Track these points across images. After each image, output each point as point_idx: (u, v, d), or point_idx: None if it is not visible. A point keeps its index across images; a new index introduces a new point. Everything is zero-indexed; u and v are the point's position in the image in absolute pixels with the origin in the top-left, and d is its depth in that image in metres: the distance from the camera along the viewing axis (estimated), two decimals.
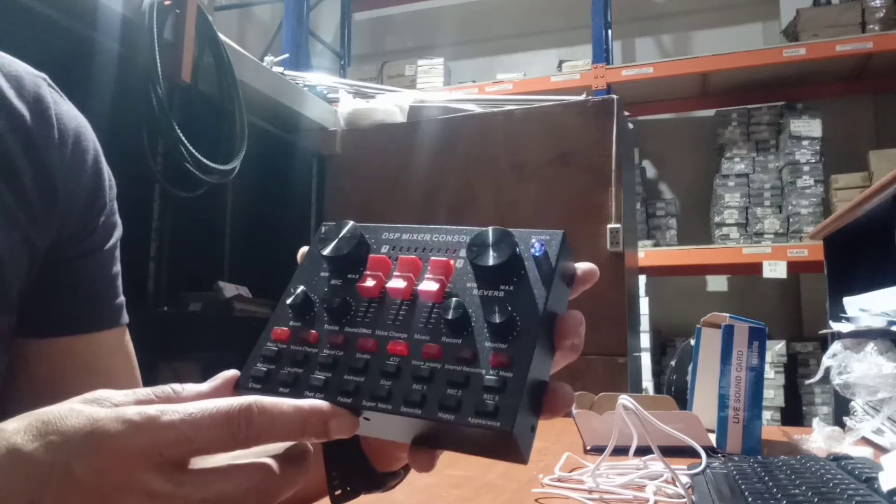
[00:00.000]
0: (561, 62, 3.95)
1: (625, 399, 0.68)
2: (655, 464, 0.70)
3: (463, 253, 0.38)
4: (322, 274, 0.40)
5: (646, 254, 3.39)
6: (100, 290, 0.57)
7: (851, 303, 1.19)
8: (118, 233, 0.60)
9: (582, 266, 0.38)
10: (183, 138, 1.51)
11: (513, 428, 0.31)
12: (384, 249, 0.39)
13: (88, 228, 0.56)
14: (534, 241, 0.36)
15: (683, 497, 0.62)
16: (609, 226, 1.90)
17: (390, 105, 2.26)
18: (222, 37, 1.69)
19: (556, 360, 0.36)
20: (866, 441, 0.96)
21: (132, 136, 1.50)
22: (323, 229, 0.41)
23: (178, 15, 1.56)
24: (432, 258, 0.37)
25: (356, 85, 2.60)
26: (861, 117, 3.79)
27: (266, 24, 4.86)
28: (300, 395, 0.35)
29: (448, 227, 0.39)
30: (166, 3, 1.52)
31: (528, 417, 0.32)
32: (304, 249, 0.43)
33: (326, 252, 0.39)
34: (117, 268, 0.59)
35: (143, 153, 1.51)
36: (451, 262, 0.37)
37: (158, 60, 1.45)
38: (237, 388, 0.36)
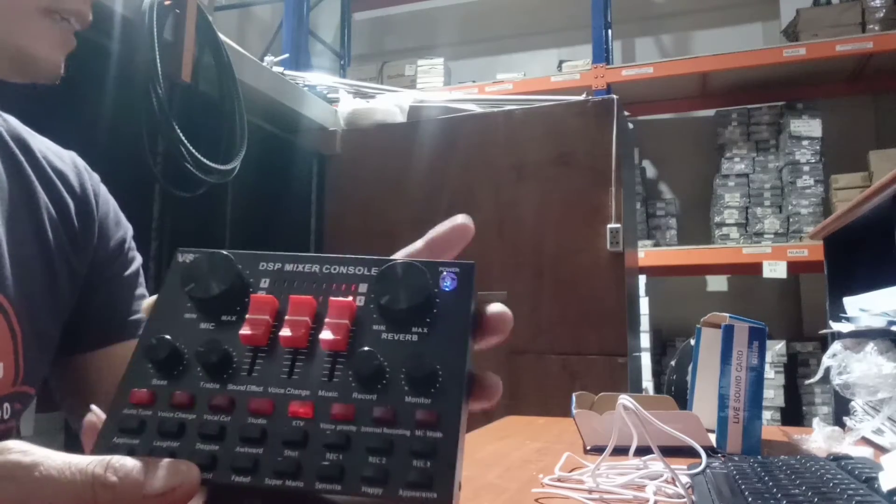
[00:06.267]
0: (561, 62, 3.95)
1: (625, 399, 0.68)
2: (655, 464, 0.70)
3: (363, 288, 0.33)
4: (187, 316, 0.33)
5: (646, 254, 3.40)
6: (123, 309, 0.69)
7: (851, 303, 1.19)
8: (138, 262, 0.72)
9: (493, 309, 0.33)
10: (183, 138, 1.51)
11: (452, 499, 0.28)
12: (264, 284, 0.33)
13: (113, 257, 0.69)
14: (445, 274, 0.33)
15: (683, 497, 0.62)
16: (609, 226, 1.90)
17: (390, 105, 2.26)
18: (222, 37, 1.69)
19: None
20: (866, 441, 0.96)
21: (132, 136, 1.50)
22: (180, 257, 0.34)
23: (178, 15, 1.56)
24: (332, 298, 0.32)
25: (356, 85, 2.60)
26: (861, 117, 3.80)
27: (266, 24, 4.87)
28: None
29: (340, 256, 0.34)
30: (166, 3, 1.52)
31: (458, 474, 0.29)
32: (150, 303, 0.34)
33: (193, 291, 0.33)
34: (140, 290, 0.71)
35: (143, 153, 1.51)
36: (353, 300, 0.33)
37: (158, 60, 1.45)
38: None
